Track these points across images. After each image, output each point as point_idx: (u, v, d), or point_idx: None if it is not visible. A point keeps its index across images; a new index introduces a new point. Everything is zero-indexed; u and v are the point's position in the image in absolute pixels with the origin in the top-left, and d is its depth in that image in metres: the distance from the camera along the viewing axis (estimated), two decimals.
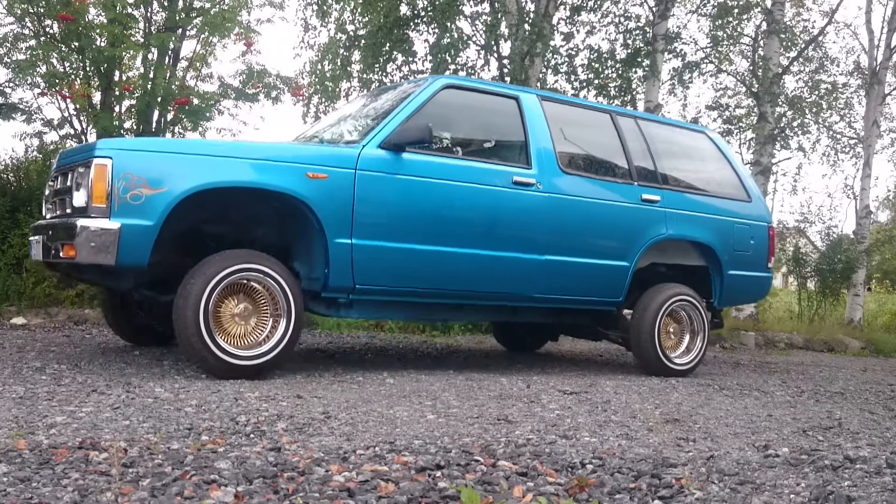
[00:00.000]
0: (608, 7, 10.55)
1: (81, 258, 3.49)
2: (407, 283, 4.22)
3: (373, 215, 4.03)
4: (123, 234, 3.47)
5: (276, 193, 3.81)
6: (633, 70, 10.19)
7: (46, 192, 4.26)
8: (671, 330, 5.05)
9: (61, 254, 3.59)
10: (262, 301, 3.82)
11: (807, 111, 13.35)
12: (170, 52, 7.51)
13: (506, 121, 4.72)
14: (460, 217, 4.30)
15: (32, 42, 7.28)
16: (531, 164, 4.58)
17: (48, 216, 4.10)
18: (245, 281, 3.76)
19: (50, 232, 3.77)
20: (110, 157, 3.51)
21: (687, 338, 5.11)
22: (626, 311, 5.03)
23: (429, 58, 9.12)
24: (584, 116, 5.18)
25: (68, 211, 3.73)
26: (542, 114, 4.74)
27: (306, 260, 4.12)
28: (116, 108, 7.29)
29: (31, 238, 4.15)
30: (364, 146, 4.08)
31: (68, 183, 3.77)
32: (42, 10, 6.98)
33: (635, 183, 4.98)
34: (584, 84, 9.81)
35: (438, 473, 2.20)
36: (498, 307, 4.85)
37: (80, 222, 3.48)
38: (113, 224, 3.47)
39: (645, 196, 4.95)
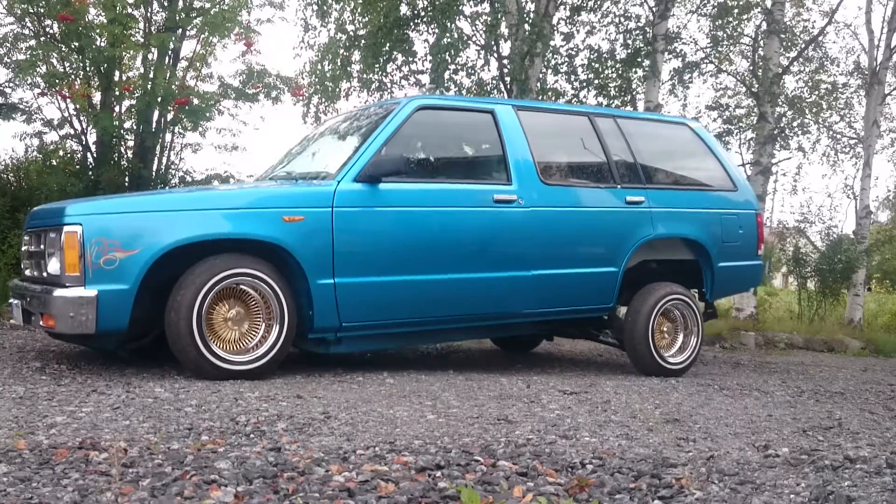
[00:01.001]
0: (608, 7, 10.56)
1: (60, 328, 3.50)
2: (395, 315, 4.19)
3: (354, 252, 3.98)
4: (100, 302, 3.45)
5: (252, 241, 3.78)
6: (634, 70, 10.20)
7: (22, 249, 4.22)
8: (665, 329, 5.03)
9: (41, 322, 3.61)
10: (255, 306, 3.80)
11: (807, 111, 13.36)
12: (170, 52, 7.52)
13: (483, 136, 4.68)
14: (444, 243, 4.27)
15: (32, 42, 7.29)
16: (511, 179, 4.51)
17: (26, 272, 4.08)
18: (238, 286, 3.73)
19: (27, 299, 3.77)
20: (80, 224, 3.48)
21: (681, 337, 5.09)
22: (619, 309, 5.02)
23: (429, 58, 9.12)
24: (562, 122, 5.15)
25: (44, 275, 3.71)
26: (518, 125, 4.66)
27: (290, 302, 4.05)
28: (116, 108, 7.30)
29: (11, 300, 4.15)
30: (339, 181, 4.01)
31: (41, 246, 3.75)
32: (42, 10, 6.99)
33: (618, 186, 4.93)
34: (585, 84, 9.82)
35: (438, 473, 2.20)
36: (490, 326, 4.84)
37: (56, 293, 3.48)
38: (89, 292, 3.45)
39: (629, 198, 4.91)
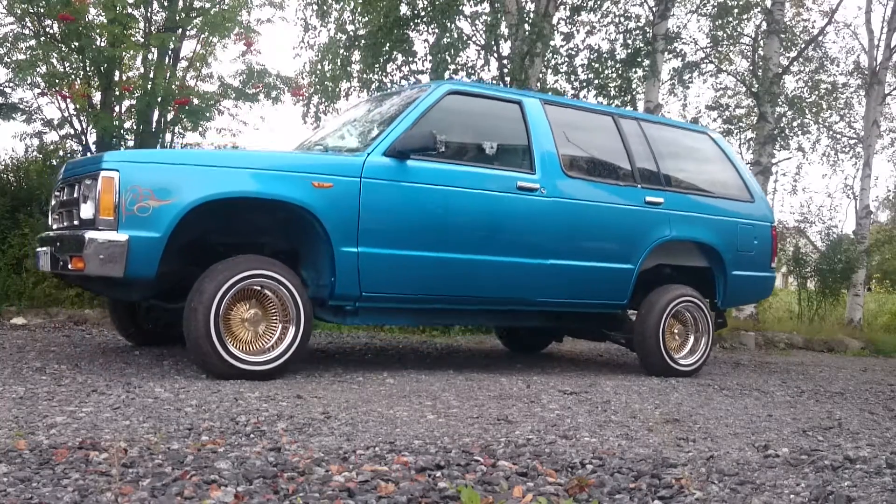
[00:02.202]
0: (608, 7, 10.55)
1: (90, 270, 3.52)
2: (413, 290, 4.25)
3: (378, 223, 4.05)
4: (131, 246, 3.49)
5: (281, 203, 3.82)
6: (633, 70, 10.18)
7: (52, 203, 4.27)
8: (676, 331, 5.05)
9: (70, 266, 3.61)
10: (272, 308, 3.84)
11: (807, 111, 13.35)
12: (170, 52, 7.52)
13: (509, 125, 4.73)
14: (465, 223, 4.32)
15: (32, 42, 7.29)
16: (535, 168, 4.59)
17: (54, 226, 4.11)
18: (256, 287, 3.77)
19: (58, 244, 3.79)
20: (117, 170, 3.53)
21: (691, 339, 5.11)
22: (630, 312, 5.03)
23: (429, 58, 9.11)
24: (587, 119, 5.18)
25: (76, 223, 3.74)
26: (544, 118, 4.75)
27: (313, 267, 4.13)
28: (116, 108, 7.30)
29: (37, 249, 4.17)
30: (369, 154, 4.09)
31: (75, 195, 3.78)
32: (42, 10, 6.99)
33: (638, 185, 4.98)
34: (584, 84, 9.80)
35: (438, 473, 2.20)
36: (503, 311, 4.87)
37: (89, 234, 3.50)
38: (121, 236, 3.49)
39: (648, 198, 4.96)
